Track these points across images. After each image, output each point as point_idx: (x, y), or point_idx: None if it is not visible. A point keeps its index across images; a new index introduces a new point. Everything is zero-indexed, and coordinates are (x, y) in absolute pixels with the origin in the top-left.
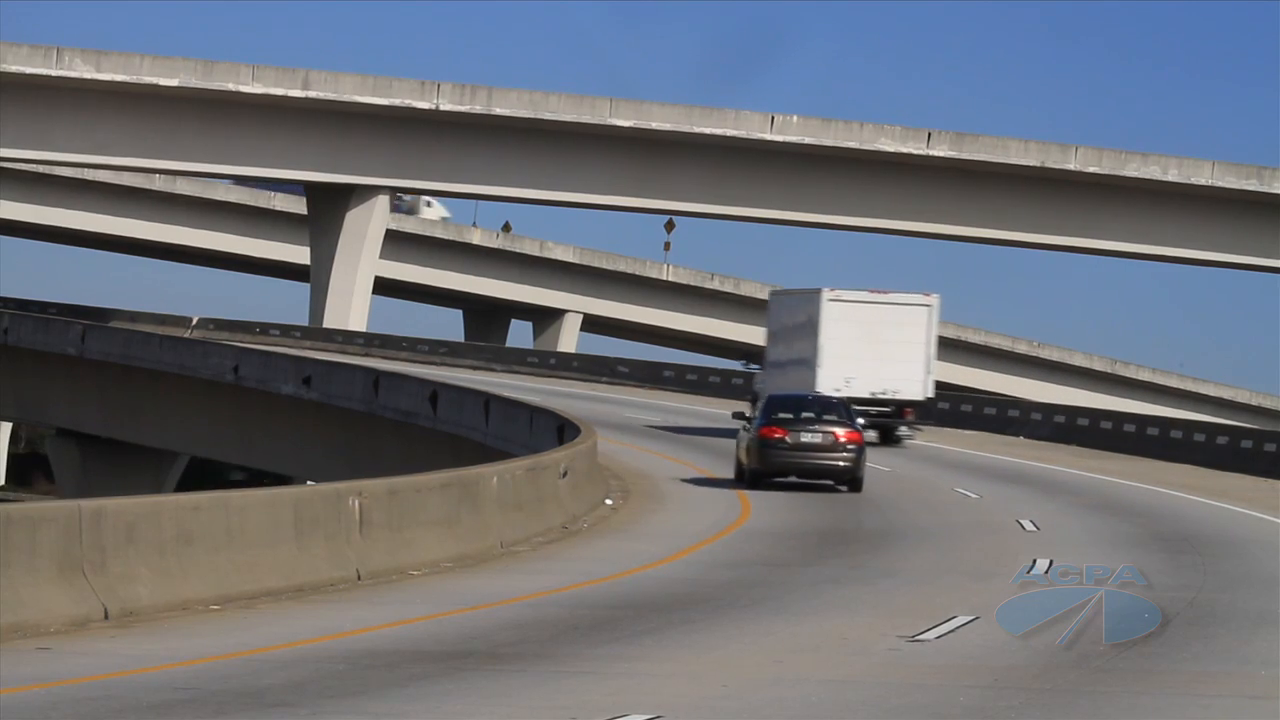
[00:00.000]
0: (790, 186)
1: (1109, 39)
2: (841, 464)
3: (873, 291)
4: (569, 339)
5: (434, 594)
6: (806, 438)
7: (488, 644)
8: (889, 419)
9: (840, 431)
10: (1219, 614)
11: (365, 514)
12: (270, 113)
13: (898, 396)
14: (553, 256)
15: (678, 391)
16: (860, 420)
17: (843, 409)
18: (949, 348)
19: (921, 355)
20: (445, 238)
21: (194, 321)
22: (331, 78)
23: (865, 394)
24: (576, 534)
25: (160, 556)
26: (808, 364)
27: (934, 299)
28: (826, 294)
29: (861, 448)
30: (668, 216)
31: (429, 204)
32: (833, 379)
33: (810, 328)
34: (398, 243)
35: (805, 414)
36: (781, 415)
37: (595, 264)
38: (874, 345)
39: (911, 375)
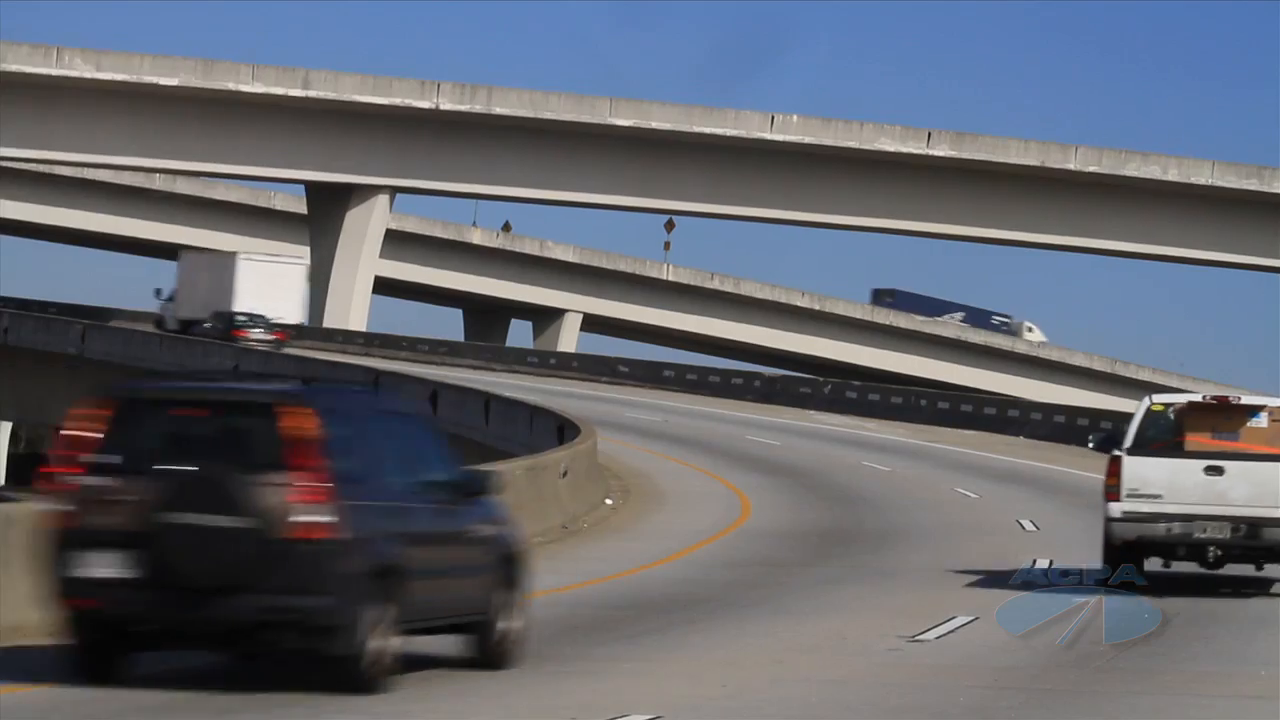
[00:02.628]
0: (790, 186)
1: (1109, 39)
2: None
3: (270, 256)
4: (569, 339)
5: None
6: None
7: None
8: None
9: None
10: (1219, 614)
11: None
12: (270, 113)
13: (283, 321)
14: (553, 256)
15: (678, 391)
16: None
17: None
18: (949, 347)
19: (297, 296)
20: (445, 237)
21: None
22: (331, 77)
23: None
24: (576, 534)
25: None
26: (226, 296)
27: (303, 262)
28: (241, 255)
29: None
30: (668, 216)
31: (1030, 329)
32: (243, 307)
33: (229, 275)
34: (398, 243)
35: None
36: None
37: (595, 264)
38: (271, 288)
39: (292, 308)
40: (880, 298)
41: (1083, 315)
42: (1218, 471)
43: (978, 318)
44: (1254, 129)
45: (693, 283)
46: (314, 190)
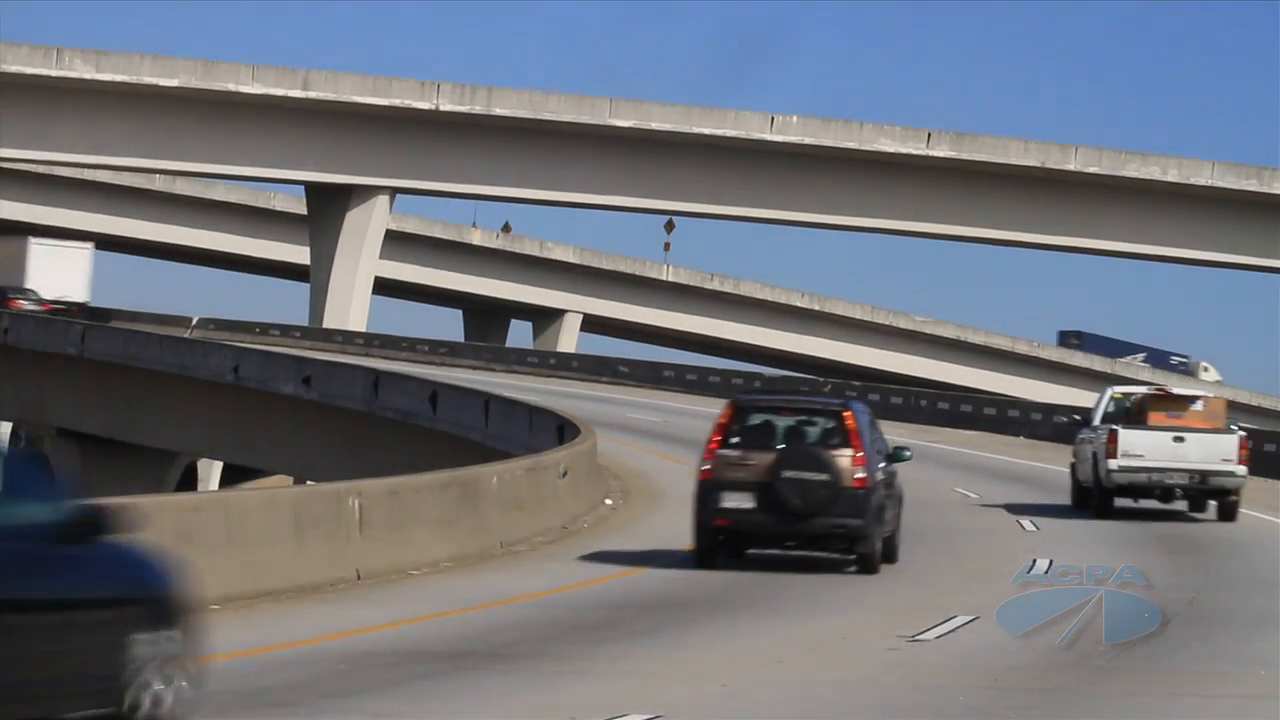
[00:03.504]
0: (790, 186)
1: (1109, 39)
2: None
3: (59, 241)
4: (569, 339)
5: (434, 594)
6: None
7: (488, 644)
8: None
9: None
10: (1219, 614)
11: (365, 514)
12: (270, 113)
13: (72, 299)
14: (553, 256)
15: (678, 391)
16: None
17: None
18: (949, 348)
19: (84, 277)
20: (445, 238)
21: (194, 321)
22: (331, 78)
23: (51, 297)
24: (576, 534)
25: None
26: (19, 275)
27: (90, 246)
28: (33, 240)
29: None
30: (667, 216)
31: (1206, 369)
32: (33, 285)
33: (21, 258)
34: (398, 243)
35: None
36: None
37: (595, 264)
38: (60, 269)
39: (79, 287)
40: (1067, 339)
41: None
42: (1181, 440)
43: (1158, 358)
44: (1254, 129)
45: (692, 283)
46: (314, 190)
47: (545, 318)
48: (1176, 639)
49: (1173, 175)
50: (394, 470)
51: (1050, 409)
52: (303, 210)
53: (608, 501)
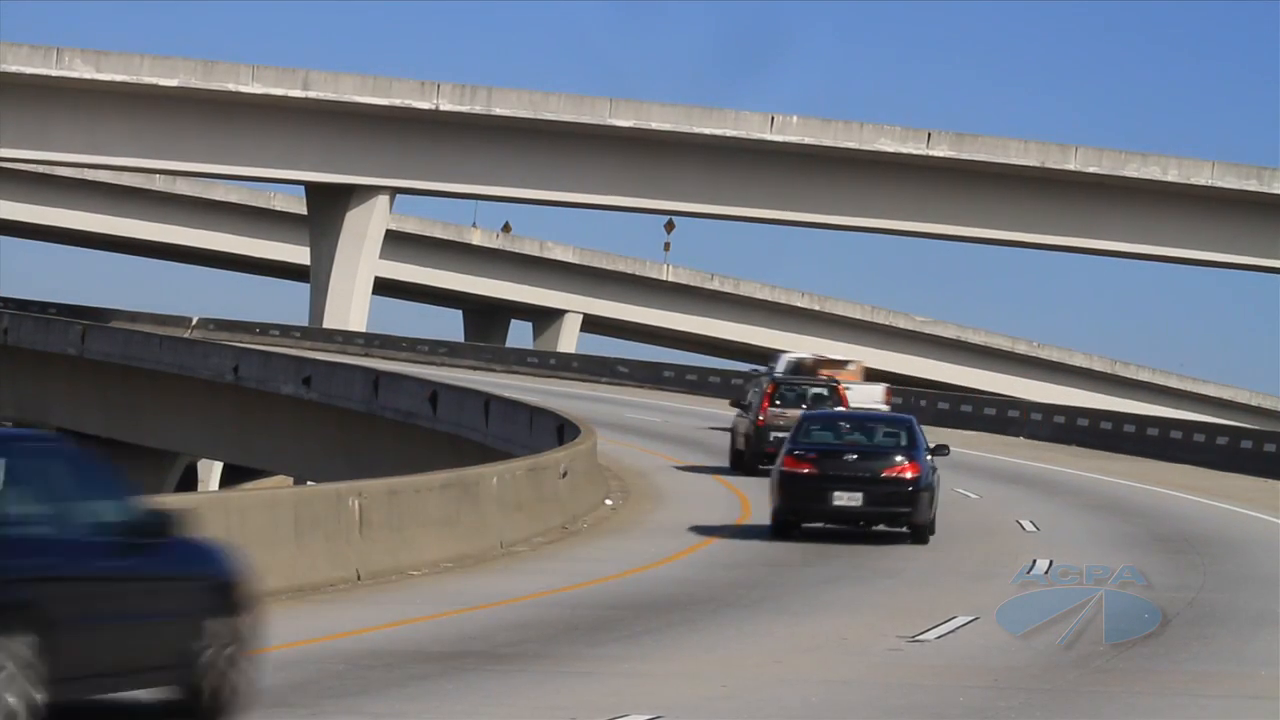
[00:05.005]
0: (790, 186)
1: (1109, 39)
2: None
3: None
4: (569, 339)
5: (434, 594)
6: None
7: (488, 644)
8: None
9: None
10: (1219, 614)
11: (365, 514)
12: (270, 113)
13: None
14: (553, 256)
15: (678, 391)
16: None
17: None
18: (949, 348)
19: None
20: (445, 238)
21: (194, 321)
22: (331, 78)
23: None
24: (576, 534)
25: None
26: None
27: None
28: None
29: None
30: (668, 217)
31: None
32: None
33: None
34: (398, 243)
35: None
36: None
37: (595, 264)
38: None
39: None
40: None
41: (1083, 315)
42: (846, 390)
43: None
44: (1254, 129)
45: (692, 283)
46: (314, 190)
47: (545, 318)
48: (1176, 639)
49: (1173, 175)
50: (394, 470)
51: (1050, 409)
52: (303, 210)
53: (608, 502)
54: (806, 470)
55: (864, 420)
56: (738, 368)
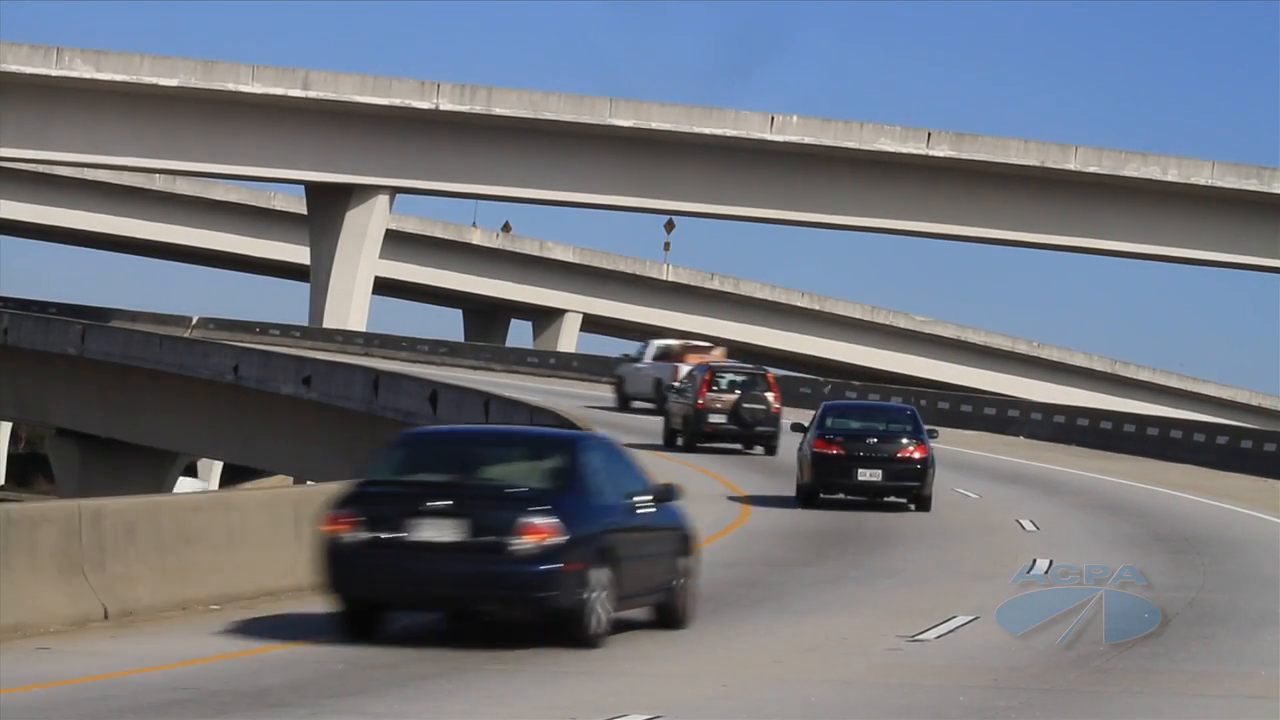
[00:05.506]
0: (790, 186)
1: (1109, 39)
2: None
3: None
4: (569, 339)
5: None
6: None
7: (488, 643)
8: None
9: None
10: (1219, 614)
11: None
12: (270, 113)
13: None
14: (553, 256)
15: None
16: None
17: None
18: (949, 348)
19: None
20: (445, 238)
21: (194, 321)
22: (331, 78)
23: None
24: None
25: (160, 556)
26: None
27: None
28: None
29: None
30: (668, 216)
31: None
32: None
33: None
34: (398, 243)
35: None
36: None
37: (595, 264)
38: None
39: None
40: None
41: (1083, 315)
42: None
43: None
44: (1254, 129)
45: (692, 283)
46: (314, 190)
47: (545, 317)
48: (1176, 639)
49: (1173, 175)
50: None
51: (1050, 409)
52: (303, 210)
53: None
54: (835, 451)
55: (875, 410)
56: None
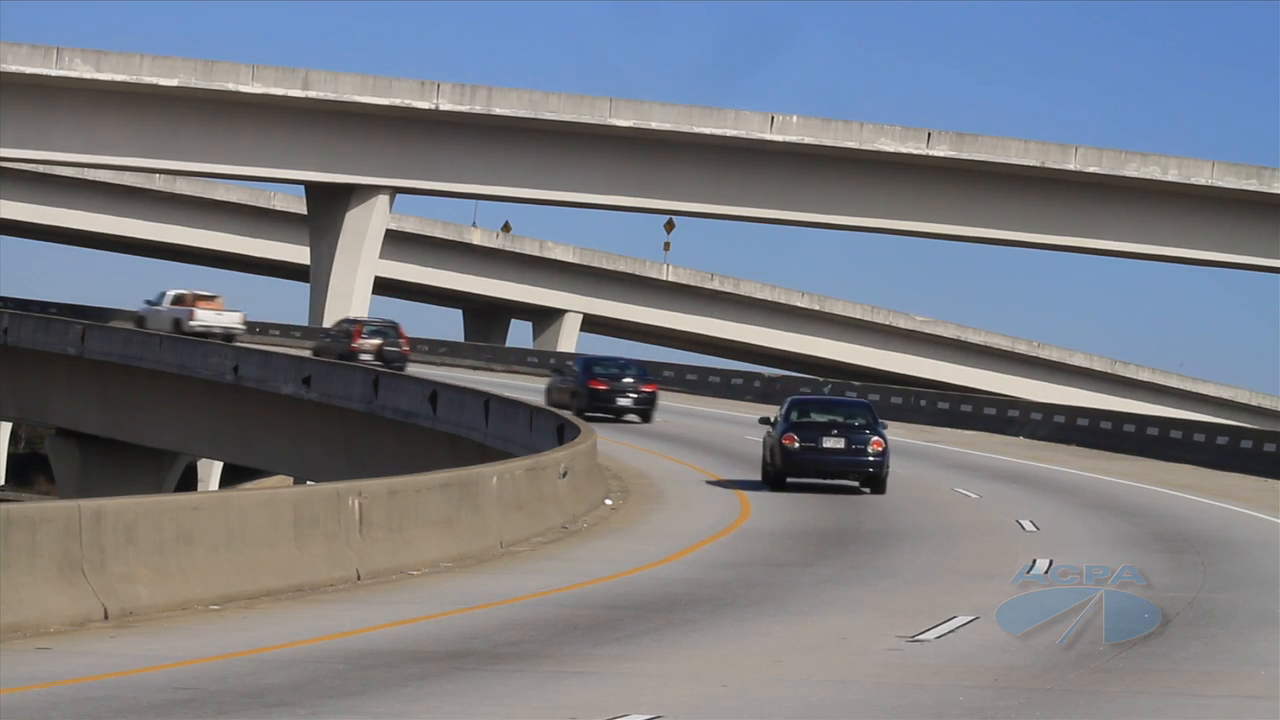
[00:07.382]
0: (790, 186)
1: (1109, 39)
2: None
3: None
4: (569, 339)
5: (434, 594)
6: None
7: (488, 644)
8: None
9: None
10: (1219, 614)
11: (365, 514)
12: (270, 113)
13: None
14: (553, 256)
15: (677, 391)
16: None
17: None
18: (949, 348)
19: None
20: (445, 238)
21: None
22: (331, 78)
23: None
24: (576, 534)
25: (160, 556)
26: None
27: None
28: None
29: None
30: (668, 216)
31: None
32: None
33: None
34: (398, 243)
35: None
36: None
37: (595, 264)
38: None
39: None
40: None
41: (1083, 315)
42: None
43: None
44: (1254, 129)
45: (692, 283)
46: (314, 190)
47: (545, 318)
48: (1176, 639)
49: (1173, 175)
50: (394, 470)
51: (1050, 409)
52: (303, 210)
53: (608, 502)
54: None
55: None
56: (737, 367)
